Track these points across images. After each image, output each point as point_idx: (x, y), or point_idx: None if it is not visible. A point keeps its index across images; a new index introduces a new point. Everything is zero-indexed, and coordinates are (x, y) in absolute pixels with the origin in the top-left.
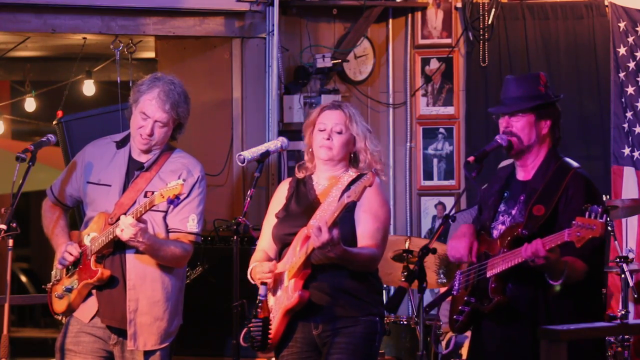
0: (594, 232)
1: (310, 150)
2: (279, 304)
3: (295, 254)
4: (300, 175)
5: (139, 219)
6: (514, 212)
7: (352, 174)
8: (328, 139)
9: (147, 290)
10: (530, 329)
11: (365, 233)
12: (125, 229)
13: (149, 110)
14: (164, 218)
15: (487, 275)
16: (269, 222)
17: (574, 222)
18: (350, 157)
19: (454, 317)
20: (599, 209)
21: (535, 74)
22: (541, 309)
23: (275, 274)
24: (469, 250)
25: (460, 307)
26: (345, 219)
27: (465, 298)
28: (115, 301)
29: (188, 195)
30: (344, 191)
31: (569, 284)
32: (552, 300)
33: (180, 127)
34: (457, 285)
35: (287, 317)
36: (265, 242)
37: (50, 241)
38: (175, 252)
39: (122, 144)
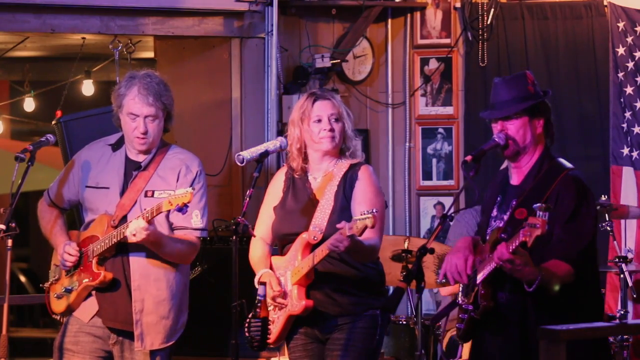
0: (537, 230)
1: (299, 146)
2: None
3: (297, 259)
4: (296, 174)
5: (149, 222)
6: (505, 217)
7: (343, 163)
8: (331, 129)
9: (152, 290)
10: (519, 337)
11: None
12: (138, 233)
13: (135, 109)
14: (167, 217)
15: (477, 282)
16: (267, 212)
17: (525, 222)
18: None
19: (456, 325)
20: (542, 205)
21: (521, 73)
22: (531, 317)
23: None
24: (465, 263)
25: (460, 315)
26: (345, 212)
27: (464, 306)
28: (118, 303)
29: None
30: (339, 185)
31: (563, 288)
32: (542, 307)
33: (170, 118)
34: (460, 294)
35: (290, 319)
36: (263, 231)
37: (49, 240)
38: (182, 249)
39: (117, 146)
